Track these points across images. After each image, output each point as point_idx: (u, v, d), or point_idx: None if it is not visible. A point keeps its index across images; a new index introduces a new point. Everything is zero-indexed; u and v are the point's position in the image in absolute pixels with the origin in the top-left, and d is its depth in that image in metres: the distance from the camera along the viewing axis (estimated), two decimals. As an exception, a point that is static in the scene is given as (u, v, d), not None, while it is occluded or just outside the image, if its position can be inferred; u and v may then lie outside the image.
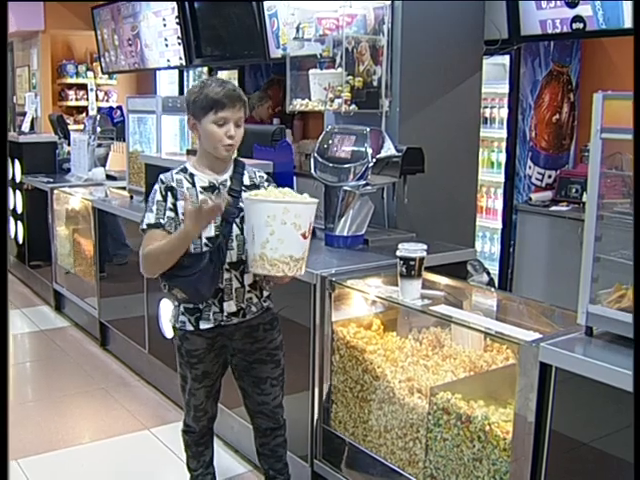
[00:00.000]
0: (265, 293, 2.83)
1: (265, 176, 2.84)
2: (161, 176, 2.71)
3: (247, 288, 2.74)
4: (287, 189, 2.62)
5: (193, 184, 2.68)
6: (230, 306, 2.72)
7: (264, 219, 2.49)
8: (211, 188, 2.69)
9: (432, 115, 4.00)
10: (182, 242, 2.57)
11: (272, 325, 2.87)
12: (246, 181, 2.76)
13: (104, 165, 6.48)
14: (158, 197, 2.66)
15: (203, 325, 2.73)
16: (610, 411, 2.14)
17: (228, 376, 2.94)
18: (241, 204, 2.67)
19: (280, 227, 2.47)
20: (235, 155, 2.81)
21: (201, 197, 2.61)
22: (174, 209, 2.65)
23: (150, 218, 2.64)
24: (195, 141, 4.08)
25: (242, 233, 2.68)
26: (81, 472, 3.61)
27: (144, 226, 2.65)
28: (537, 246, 5.22)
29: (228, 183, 2.72)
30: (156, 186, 2.69)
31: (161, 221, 2.63)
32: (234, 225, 2.68)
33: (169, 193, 2.65)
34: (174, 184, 2.67)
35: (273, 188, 2.66)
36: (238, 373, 2.91)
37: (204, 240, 2.63)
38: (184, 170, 2.72)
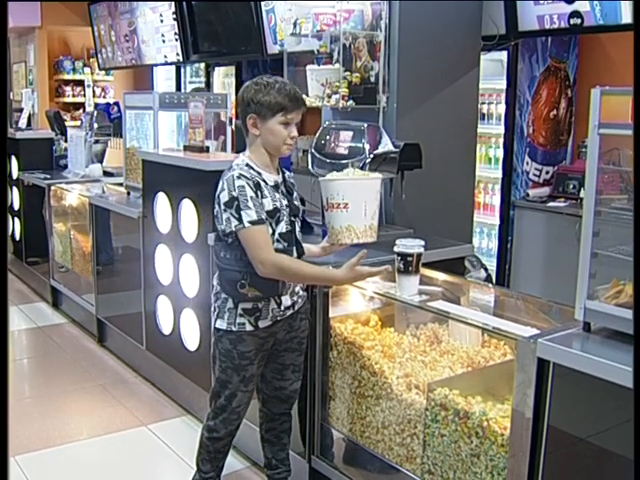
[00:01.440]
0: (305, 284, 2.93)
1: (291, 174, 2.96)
2: (240, 172, 2.65)
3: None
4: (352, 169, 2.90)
5: (265, 182, 2.70)
6: (287, 300, 2.80)
7: (373, 194, 2.74)
8: (275, 187, 2.74)
9: (430, 111, 3.99)
10: (326, 282, 2.86)
11: (306, 314, 2.97)
12: (288, 179, 2.86)
13: (101, 161, 6.46)
14: (250, 193, 2.61)
15: (262, 324, 2.77)
16: (608, 407, 2.14)
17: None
18: (296, 202, 2.82)
19: (378, 199, 2.78)
20: None
21: (275, 196, 2.72)
22: (262, 206, 2.65)
23: (251, 215, 2.59)
24: (192, 137, 4.06)
25: (299, 229, 2.83)
26: (78, 468, 3.60)
27: (246, 224, 2.59)
28: (535, 242, 5.22)
29: (283, 182, 2.80)
30: (240, 182, 2.62)
31: (263, 217, 2.63)
32: (296, 221, 2.80)
33: (258, 190, 2.64)
34: (258, 179, 2.67)
35: (348, 170, 2.85)
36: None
37: (276, 236, 2.71)
38: (250, 167, 2.70)
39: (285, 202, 2.74)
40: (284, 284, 2.73)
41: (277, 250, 2.68)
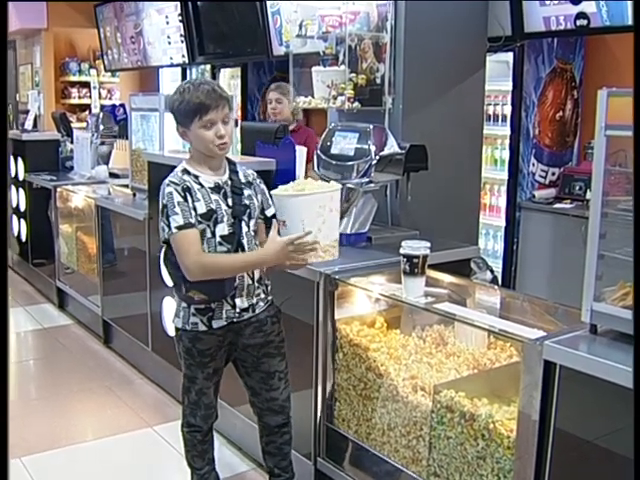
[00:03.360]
0: (269, 287, 2.86)
1: (255, 173, 2.88)
2: (170, 179, 2.68)
3: (256, 284, 2.78)
4: (305, 180, 2.80)
5: (201, 185, 2.68)
6: (242, 302, 2.75)
7: (316, 210, 2.60)
8: (217, 188, 2.70)
9: (435, 112, 3.99)
10: (268, 263, 2.69)
11: (277, 317, 2.90)
12: (242, 179, 2.79)
13: (107, 163, 6.47)
14: (178, 198, 2.61)
15: (216, 324, 2.75)
16: (614, 409, 2.13)
17: (232, 373, 2.94)
18: (246, 201, 2.72)
19: (329, 214, 2.64)
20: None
21: (214, 197, 2.67)
22: (195, 209, 2.64)
23: (178, 220, 2.59)
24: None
25: (250, 230, 2.73)
26: (84, 469, 3.61)
27: (173, 230, 2.59)
28: (540, 243, 5.21)
29: (229, 182, 2.74)
30: (169, 189, 2.63)
31: (191, 221, 2.61)
32: (243, 223, 2.71)
33: (187, 194, 2.64)
34: (188, 184, 2.65)
35: (300, 181, 2.78)
36: (246, 370, 2.92)
37: (218, 239, 2.67)
38: (186, 172, 2.70)
39: (225, 203, 2.69)
40: (230, 285, 2.66)
41: (221, 252, 2.67)
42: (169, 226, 2.60)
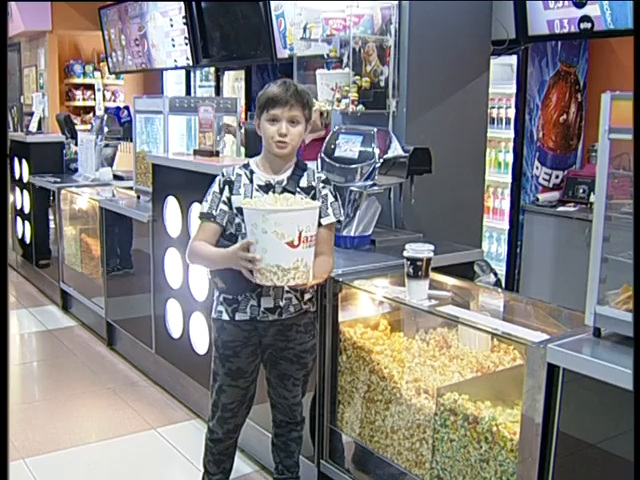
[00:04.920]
0: (307, 296, 2.85)
1: (324, 177, 2.86)
2: (224, 169, 2.82)
3: (286, 288, 2.74)
4: (291, 196, 2.63)
5: (251, 181, 2.76)
6: (267, 302, 2.77)
7: (249, 227, 2.52)
8: (266, 187, 2.75)
9: (439, 115, 3.99)
10: (225, 264, 2.68)
11: (306, 329, 2.90)
12: (303, 183, 2.80)
13: (111, 165, 6.48)
14: (215, 188, 2.78)
15: (239, 317, 2.79)
16: (618, 412, 2.13)
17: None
18: None
19: (262, 236, 2.46)
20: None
21: (256, 195, 2.70)
22: (228, 203, 2.75)
23: (204, 207, 2.78)
24: (202, 141, 4.09)
25: None
26: (88, 472, 3.61)
27: (198, 213, 2.80)
28: (544, 247, 5.21)
29: (284, 183, 2.76)
30: (217, 177, 2.80)
31: (213, 212, 2.75)
32: None
33: (226, 186, 2.76)
34: (233, 178, 2.77)
35: (278, 195, 2.65)
36: (265, 364, 2.95)
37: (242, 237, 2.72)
38: (246, 166, 2.81)
39: None
40: (249, 281, 2.61)
41: None
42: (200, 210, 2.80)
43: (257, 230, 2.47)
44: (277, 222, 2.45)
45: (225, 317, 2.82)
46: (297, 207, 2.53)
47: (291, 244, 2.46)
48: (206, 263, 2.82)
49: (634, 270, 2.04)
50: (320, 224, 2.71)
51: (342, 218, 2.90)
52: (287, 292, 2.79)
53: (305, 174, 2.81)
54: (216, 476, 3.02)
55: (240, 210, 2.65)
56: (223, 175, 2.79)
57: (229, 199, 2.75)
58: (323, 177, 2.85)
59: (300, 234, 2.47)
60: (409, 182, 3.62)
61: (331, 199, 2.81)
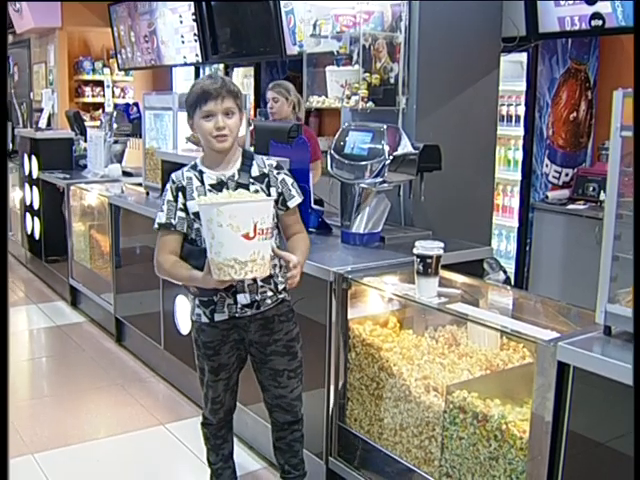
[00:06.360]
0: (280, 286, 2.81)
1: (275, 163, 2.79)
2: (173, 175, 2.76)
3: (260, 283, 2.73)
4: (245, 191, 2.63)
5: (202, 181, 2.70)
6: (244, 298, 2.73)
7: (205, 223, 2.48)
8: (219, 184, 2.69)
9: (449, 112, 3.99)
10: (192, 283, 2.67)
11: (287, 317, 2.86)
12: (254, 172, 2.74)
13: (120, 161, 6.50)
14: (169, 197, 2.72)
15: (218, 317, 2.76)
16: (628, 411, 2.12)
17: (245, 371, 2.95)
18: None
19: (218, 230, 2.43)
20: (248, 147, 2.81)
21: (209, 195, 2.61)
22: (185, 209, 2.70)
23: (161, 217, 2.72)
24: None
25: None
26: (96, 467, 3.62)
27: (156, 225, 2.73)
28: (554, 244, 5.20)
29: (236, 177, 2.71)
30: (168, 185, 2.75)
31: (172, 221, 2.70)
32: None
33: (179, 193, 2.70)
34: (184, 183, 2.71)
35: (232, 192, 2.63)
36: (256, 365, 2.91)
37: None
38: (194, 167, 2.76)
39: None
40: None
41: None
42: (155, 219, 2.73)
43: (213, 225, 2.44)
44: (232, 214, 2.42)
45: (204, 320, 2.78)
46: (251, 199, 2.53)
47: (246, 236, 2.43)
48: (178, 280, 2.76)
49: (634, 270, 2.03)
50: (288, 207, 2.74)
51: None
52: (262, 286, 2.75)
53: (255, 163, 2.75)
54: (217, 464, 3.02)
55: (198, 215, 2.58)
56: (173, 182, 2.72)
57: (185, 205, 2.69)
58: (274, 164, 2.79)
59: (255, 226, 2.44)
60: (419, 179, 3.62)
61: (290, 181, 2.77)
